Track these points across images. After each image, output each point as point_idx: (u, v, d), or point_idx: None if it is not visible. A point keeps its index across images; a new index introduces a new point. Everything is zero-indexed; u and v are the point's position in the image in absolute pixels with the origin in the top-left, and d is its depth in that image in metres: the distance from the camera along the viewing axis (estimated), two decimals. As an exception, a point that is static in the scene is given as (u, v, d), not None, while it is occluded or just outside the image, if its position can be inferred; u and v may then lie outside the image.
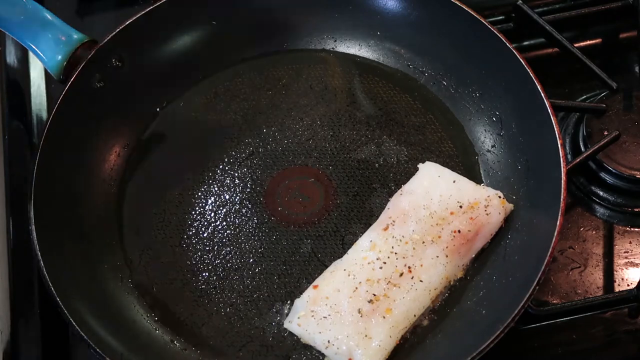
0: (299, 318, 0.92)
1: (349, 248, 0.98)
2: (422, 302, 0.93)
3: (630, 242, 1.06)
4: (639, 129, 1.08)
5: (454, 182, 1.00)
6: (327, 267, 0.97)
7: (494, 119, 1.07)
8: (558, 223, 0.90)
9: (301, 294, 0.95)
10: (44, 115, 1.20)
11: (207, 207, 1.05)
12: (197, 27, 1.13)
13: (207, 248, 1.02)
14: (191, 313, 0.98)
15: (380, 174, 1.05)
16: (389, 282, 0.93)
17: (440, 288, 0.95)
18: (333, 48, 1.16)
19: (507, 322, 0.86)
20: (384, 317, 0.91)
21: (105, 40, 1.06)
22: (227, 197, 1.05)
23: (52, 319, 0.99)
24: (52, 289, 0.91)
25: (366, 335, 0.90)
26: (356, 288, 0.93)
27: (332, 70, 1.15)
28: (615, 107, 1.10)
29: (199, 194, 1.06)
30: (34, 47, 1.06)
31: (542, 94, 0.98)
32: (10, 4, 1.06)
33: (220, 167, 1.08)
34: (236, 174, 1.07)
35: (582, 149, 1.09)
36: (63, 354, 1.02)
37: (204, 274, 1.00)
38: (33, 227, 0.95)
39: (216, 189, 1.07)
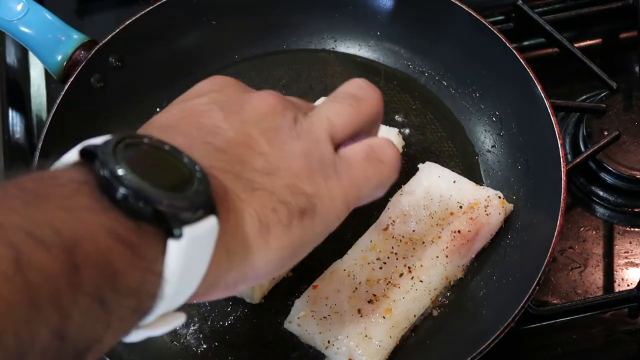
0: (299, 318, 0.92)
1: (349, 248, 0.98)
2: (422, 302, 0.93)
3: (630, 242, 1.06)
4: (639, 129, 1.08)
5: (454, 182, 1.00)
6: (327, 267, 0.97)
7: (494, 119, 1.07)
8: (558, 223, 0.90)
9: (301, 294, 0.95)
10: (44, 115, 1.20)
11: (207, 207, 1.05)
12: (197, 27, 1.13)
13: (207, 248, 1.02)
14: (192, 313, 0.98)
15: (380, 174, 1.05)
16: (389, 282, 0.93)
17: (440, 288, 0.95)
18: (333, 48, 1.16)
19: (507, 322, 0.86)
20: (384, 317, 0.91)
21: (105, 40, 1.06)
22: (227, 197, 1.05)
23: (52, 319, 0.99)
24: (52, 289, 0.91)
25: (366, 336, 0.90)
26: (356, 288, 0.93)
27: (332, 70, 1.15)
28: (615, 107, 1.10)
29: (199, 194, 1.06)
30: (34, 47, 1.06)
31: (542, 94, 0.98)
32: (10, 3, 1.06)
33: (220, 167, 1.08)
34: (236, 174, 1.07)
35: (582, 149, 1.09)
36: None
37: (204, 274, 1.00)
38: (33, 227, 0.94)
39: (216, 189, 1.06)
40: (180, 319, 0.53)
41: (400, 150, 1.05)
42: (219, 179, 0.54)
